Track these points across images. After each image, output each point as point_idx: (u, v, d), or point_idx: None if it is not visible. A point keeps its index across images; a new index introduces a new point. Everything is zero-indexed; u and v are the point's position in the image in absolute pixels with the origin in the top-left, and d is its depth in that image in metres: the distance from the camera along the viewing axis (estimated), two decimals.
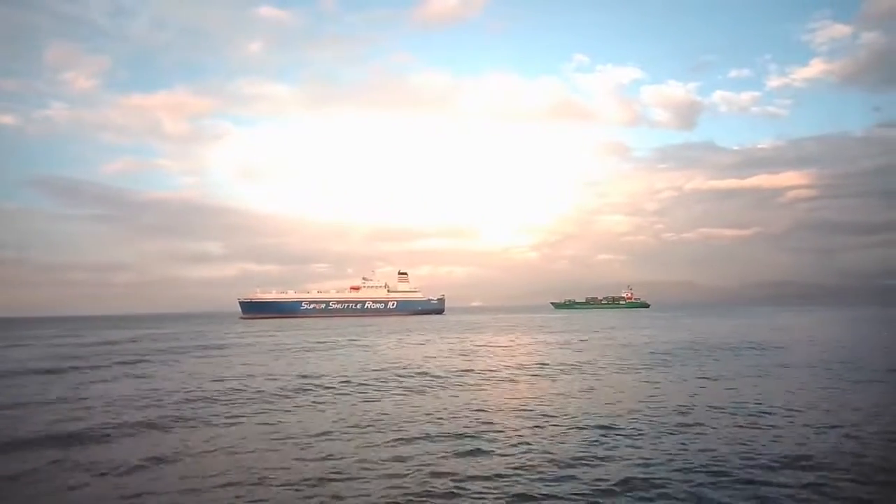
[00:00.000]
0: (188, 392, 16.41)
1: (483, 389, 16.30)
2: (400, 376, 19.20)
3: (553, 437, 10.50)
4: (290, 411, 13.49)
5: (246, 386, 17.43)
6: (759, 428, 10.83)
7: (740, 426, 11.02)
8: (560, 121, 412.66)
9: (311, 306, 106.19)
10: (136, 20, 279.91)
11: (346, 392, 16.13)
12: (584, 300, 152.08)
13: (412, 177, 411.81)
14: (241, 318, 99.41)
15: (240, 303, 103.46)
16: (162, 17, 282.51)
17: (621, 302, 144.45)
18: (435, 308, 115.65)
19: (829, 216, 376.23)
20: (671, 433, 10.58)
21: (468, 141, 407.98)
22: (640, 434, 10.53)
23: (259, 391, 16.35)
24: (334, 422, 12.13)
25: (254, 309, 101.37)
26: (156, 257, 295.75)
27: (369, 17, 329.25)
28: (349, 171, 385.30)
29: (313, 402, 14.72)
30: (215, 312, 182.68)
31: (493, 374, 19.67)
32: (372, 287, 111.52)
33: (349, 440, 10.54)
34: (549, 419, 11.97)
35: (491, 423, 11.76)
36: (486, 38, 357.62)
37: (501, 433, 10.81)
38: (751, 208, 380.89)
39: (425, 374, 19.80)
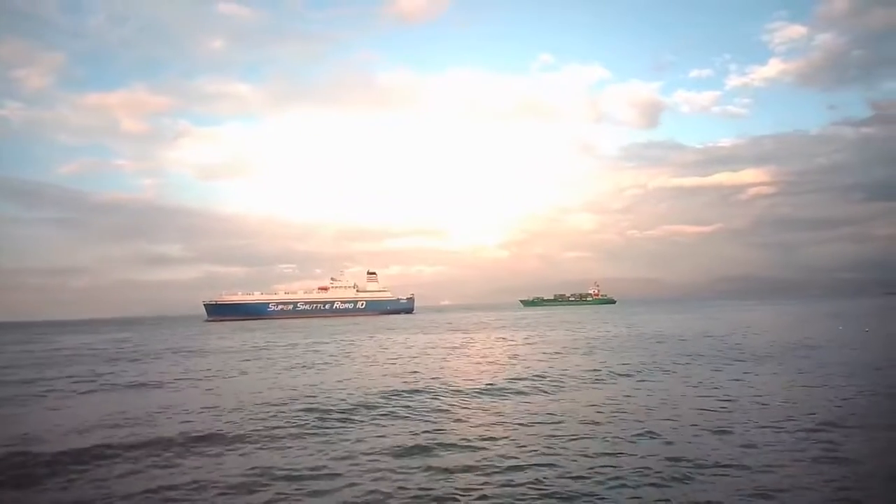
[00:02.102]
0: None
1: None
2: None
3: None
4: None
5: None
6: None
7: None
8: (527, 119, 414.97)
9: (279, 307, 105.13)
10: (92, 16, 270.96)
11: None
12: (552, 298, 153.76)
13: (380, 176, 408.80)
14: (207, 320, 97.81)
15: (205, 305, 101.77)
16: (119, 12, 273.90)
17: (588, 299, 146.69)
18: (404, 308, 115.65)
19: (788, 212, 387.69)
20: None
21: (436, 140, 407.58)
22: None
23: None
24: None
25: (219, 311, 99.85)
26: (115, 260, 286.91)
27: (334, 15, 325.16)
28: (316, 171, 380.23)
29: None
30: (179, 316, 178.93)
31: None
32: (341, 287, 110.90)
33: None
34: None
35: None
36: (453, 36, 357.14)
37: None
38: (713, 205, 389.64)
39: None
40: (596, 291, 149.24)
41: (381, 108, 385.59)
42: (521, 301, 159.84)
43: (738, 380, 16.00)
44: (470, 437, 10.23)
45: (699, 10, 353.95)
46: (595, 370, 18.60)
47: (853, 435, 9.62)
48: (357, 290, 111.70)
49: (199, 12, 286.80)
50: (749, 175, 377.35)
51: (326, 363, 23.95)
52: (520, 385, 15.98)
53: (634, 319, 57.86)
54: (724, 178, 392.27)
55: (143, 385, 18.58)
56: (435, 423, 11.69)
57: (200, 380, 19.56)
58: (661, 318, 57.46)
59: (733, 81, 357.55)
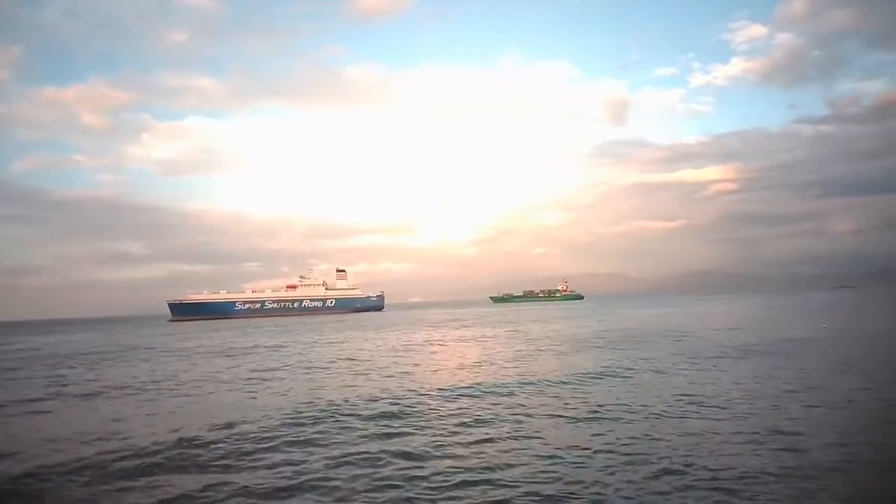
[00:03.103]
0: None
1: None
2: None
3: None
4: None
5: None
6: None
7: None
8: (496, 115, 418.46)
9: (246, 307, 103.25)
10: (49, 9, 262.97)
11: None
12: (521, 294, 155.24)
13: (348, 172, 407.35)
14: (171, 320, 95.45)
15: (169, 305, 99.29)
16: (78, 5, 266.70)
17: (557, 295, 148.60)
18: (374, 305, 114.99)
19: (750, 208, 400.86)
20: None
21: (406, 136, 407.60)
22: None
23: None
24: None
25: (184, 311, 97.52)
26: (75, 259, 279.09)
27: (298, 9, 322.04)
28: (283, 167, 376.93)
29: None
30: (142, 315, 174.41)
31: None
32: (309, 285, 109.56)
33: None
34: None
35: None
36: (420, 32, 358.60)
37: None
38: (677, 201, 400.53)
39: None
40: (564, 287, 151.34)
41: (349, 104, 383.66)
42: (491, 298, 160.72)
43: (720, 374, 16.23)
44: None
45: (663, 10, 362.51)
46: (584, 372, 18.60)
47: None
48: (326, 289, 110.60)
49: (160, 5, 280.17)
50: (712, 172, 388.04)
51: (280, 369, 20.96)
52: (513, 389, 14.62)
53: (606, 315, 58.73)
54: (688, 174, 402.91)
55: (81, 395, 16.84)
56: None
57: (135, 393, 16.92)
58: (633, 315, 58.22)
59: (697, 80, 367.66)
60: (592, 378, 16.02)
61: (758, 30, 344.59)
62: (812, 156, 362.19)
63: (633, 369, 17.45)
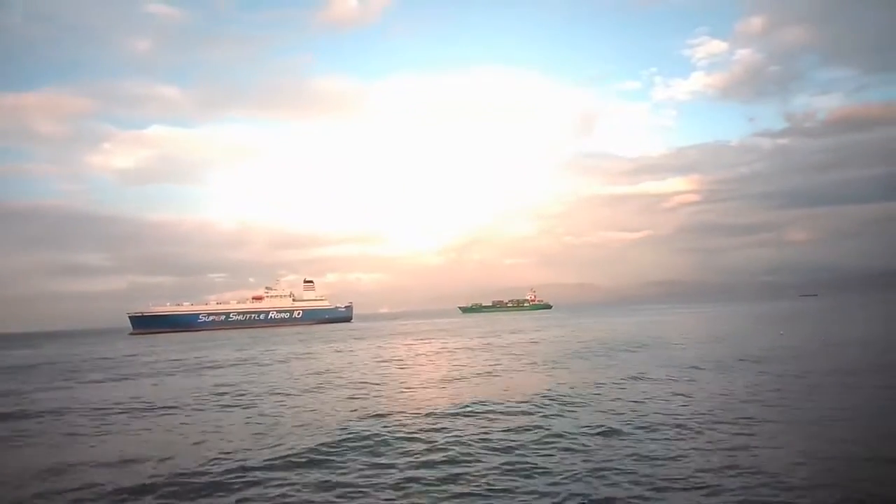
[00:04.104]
0: None
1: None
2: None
3: None
4: None
5: None
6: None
7: None
8: (468, 125, 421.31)
9: (210, 318, 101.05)
10: (7, 13, 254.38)
11: None
12: (490, 304, 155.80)
13: (316, 182, 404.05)
14: (132, 333, 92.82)
15: (129, 317, 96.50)
16: (38, 10, 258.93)
17: (525, 304, 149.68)
18: (343, 316, 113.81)
19: (711, 219, 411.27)
20: None
21: (376, 145, 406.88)
22: None
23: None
24: None
25: (145, 324, 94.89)
26: (31, 271, 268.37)
27: (266, 19, 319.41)
28: (249, 176, 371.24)
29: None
30: (102, 329, 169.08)
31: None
32: (276, 297, 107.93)
33: None
34: None
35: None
36: (391, 42, 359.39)
37: None
38: (642, 212, 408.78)
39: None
40: (533, 297, 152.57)
41: (318, 113, 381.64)
42: (461, 308, 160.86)
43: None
44: None
45: (627, 24, 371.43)
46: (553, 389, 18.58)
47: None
48: (293, 300, 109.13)
49: (124, 12, 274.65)
50: (675, 184, 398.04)
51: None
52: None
53: (575, 324, 59.33)
54: (651, 186, 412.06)
55: None
56: None
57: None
58: (603, 324, 58.94)
59: (660, 94, 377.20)
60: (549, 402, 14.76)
61: (718, 45, 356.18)
62: (770, 168, 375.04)
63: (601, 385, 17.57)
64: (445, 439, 10.84)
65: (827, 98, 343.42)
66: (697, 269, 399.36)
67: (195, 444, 11.49)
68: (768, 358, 20.85)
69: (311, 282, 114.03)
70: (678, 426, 11.04)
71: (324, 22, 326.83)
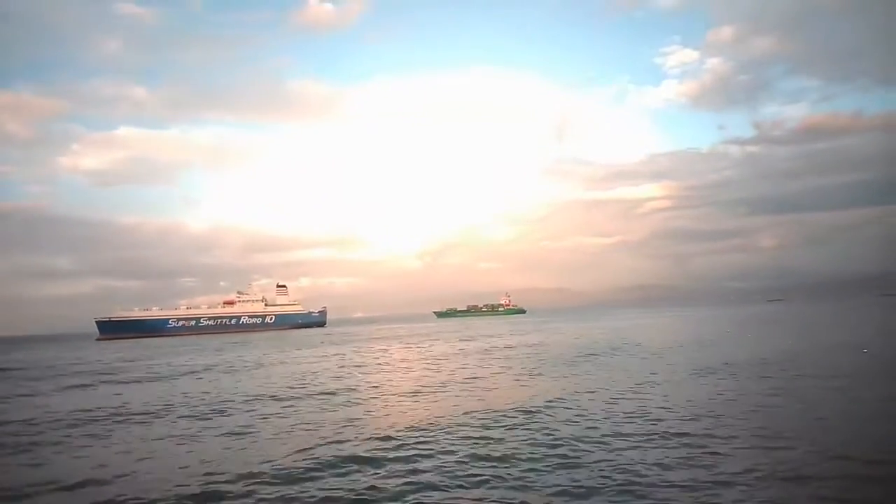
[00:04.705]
0: None
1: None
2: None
3: None
4: None
5: None
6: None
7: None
8: (446, 129, 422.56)
9: (180, 323, 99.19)
10: None
11: None
12: (465, 308, 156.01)
13: (292, 185, 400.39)
14: (98, 339, 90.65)
15: (96, 322, 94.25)
16: (4, 9, 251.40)
17: (500, 309, 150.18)
18: (316, 321, 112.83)
19: (682, 225, 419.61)
20: None
21: (353, 149, 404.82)
22: None
23: None
24: None
25: (113, 329, 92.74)
26: None
27: (241, 20, 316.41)
28: (222, 179, 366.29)
29: None
30: (67, 334, 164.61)
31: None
32: (248, 301, 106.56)
33: None
34: None
35: None
36: (367, 47, 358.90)
37: None
38: (615, 218, 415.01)
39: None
40: (507, 302, 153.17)
41: (294, 116, 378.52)
42: (435, 312, 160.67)
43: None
44: None
45: (601, 32, 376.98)
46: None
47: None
48: (266, 304, 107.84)
49: (93, 12, 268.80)
50: (648, 190, 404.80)
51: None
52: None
53: (550, 328, 59.69)
54: (625, 192, 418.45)
55: None
56: None
57: None
58: (579, 328, 59.37)
59: (633, 101, 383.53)
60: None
61: (689, 54, 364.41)
62: (740, 175, 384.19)
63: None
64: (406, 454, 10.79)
65: (795, 107, 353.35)
66: (669, 273, 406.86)
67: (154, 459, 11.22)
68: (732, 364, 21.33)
69: (284, 286, 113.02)
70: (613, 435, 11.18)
71: (300, 25, 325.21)
